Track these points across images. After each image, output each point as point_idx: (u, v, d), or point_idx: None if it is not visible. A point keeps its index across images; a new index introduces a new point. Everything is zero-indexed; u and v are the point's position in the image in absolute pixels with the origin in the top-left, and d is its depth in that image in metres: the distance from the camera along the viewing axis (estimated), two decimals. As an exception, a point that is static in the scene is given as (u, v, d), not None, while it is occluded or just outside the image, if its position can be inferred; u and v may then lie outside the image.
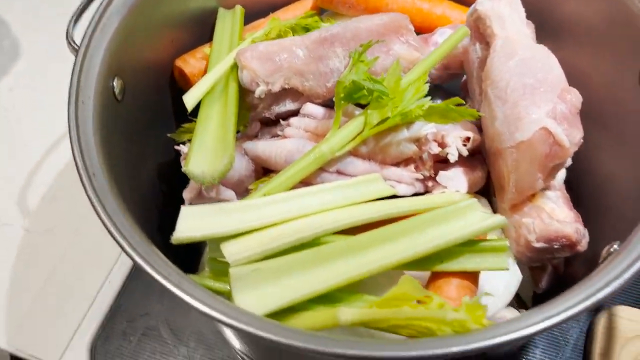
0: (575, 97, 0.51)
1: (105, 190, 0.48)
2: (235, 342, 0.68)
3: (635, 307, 0.72)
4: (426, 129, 0.57)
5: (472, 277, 0.52)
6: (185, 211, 0.51)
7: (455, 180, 0.57)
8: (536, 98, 0.51)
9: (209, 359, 0.74)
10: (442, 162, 0.60)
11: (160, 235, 0.52)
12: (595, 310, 0.72)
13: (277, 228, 0.51)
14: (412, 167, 0.58)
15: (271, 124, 0.66)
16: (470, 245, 0.50)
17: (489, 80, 0.54)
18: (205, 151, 0.56)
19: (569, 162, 0.53)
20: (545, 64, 0.52)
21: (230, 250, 0.49)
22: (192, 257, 0.68)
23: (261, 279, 0.48)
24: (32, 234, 0.83)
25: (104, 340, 0.76)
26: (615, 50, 0.57)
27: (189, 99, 0.59)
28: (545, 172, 0.51)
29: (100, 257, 0.81)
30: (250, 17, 0.72)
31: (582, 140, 0.50)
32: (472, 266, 0.50)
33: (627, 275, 0.40)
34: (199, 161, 0.55)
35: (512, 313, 0.63)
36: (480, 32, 0.58)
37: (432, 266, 0.50)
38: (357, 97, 0.55)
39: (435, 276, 0.52)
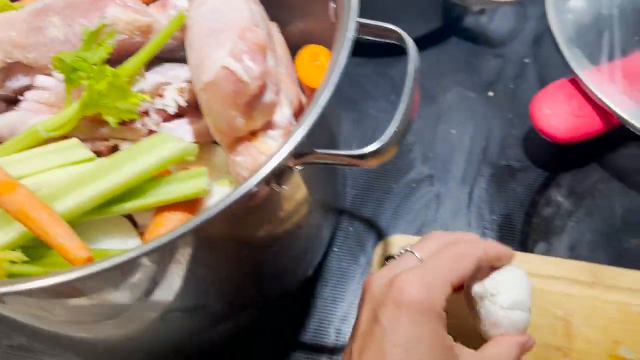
0: (255, 35, 0.53)
1: None
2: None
3: (411, 235, 0.76)
4: (147, 85, 0.59)
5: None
6: None
7: (179, 131, 0.59)
8: (219, 40, 0.53)
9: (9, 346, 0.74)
10: (179, 116, 0.62)
11: None
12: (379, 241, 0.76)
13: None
14: (138, 123, 0.60)
15: (17, 103, 0.66)
16: (168, 178, 0.53)
17: (185, 33, 0.56)
18: None
19: (269, 97, 0.56)
20: (232, 7, 0.55)
21: None
22: None
23: None
24: None
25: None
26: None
27: None
28: (240, 109, 0.54)
29: None
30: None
31: (264, 74, 0.53)
32: (172, 196, 0.52)
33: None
34: None
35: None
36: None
37: (130, 203, 0.52)
38: (76, 79, 0.56)
39: (153, 216, 0.54)
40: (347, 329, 0.72)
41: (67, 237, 0.46)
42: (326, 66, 0.58)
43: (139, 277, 0.45)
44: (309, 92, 0.59)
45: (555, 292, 0.69)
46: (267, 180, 0.43)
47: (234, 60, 0.52)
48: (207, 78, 0.52)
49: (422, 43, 0.97)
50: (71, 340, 0.58)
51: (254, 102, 0.54)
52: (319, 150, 0.47)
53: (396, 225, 0.79)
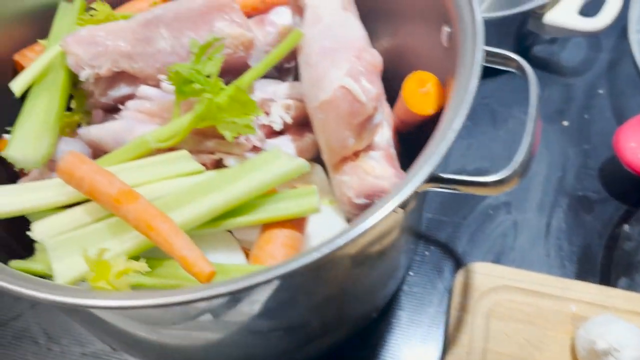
0: (372, 56, 0.53)
1: None
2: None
3: (489, 262, 0.75)
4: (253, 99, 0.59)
5: (295, 237, 0.54)
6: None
7: (282, 148, 0.59)
8: (335, 59, 0.53)
9: (82, 354, 0.74)
10: (279, 133, 0.63)
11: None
12: (457, 268, 0.75)
13: (89, 204, 0.51)
14: (242, 138, 0.60)
15: (115, 111, 0.66)
16: (278, 195, 0.53)
17: (299, 49, 0.56)
18: (27, 135, 0.56)
19: (379, 118, 0.56)
20: (347, 27, 0.55)
21: (39, 229, 0.49)
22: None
23: (75, 245, 0.48)
24: None
25: (-28, 346, 0.74)
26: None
27: (16, 85, 0.59)
28: (353, 129, 0.53)
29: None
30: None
31: (379, 95, 0.53)
32: (282, 213, 0.51)
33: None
34: (20, 145, 0.55)
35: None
36: (297, 5, 0.61)
37: (241, 218, 0.51)
38: (189, 92, 0.56)
39: (261, 233, 0.54)
40: (429, 351, 0.71)
41: (190, 249, 0.45)
42: (434, 93, 0.59)
43: (257, 297, 0.45)
44: (413, 118, 0.59)
45: (643, 329, 0.68)
46: (403, 204, 0.43)
47: (352, 80, 0.52)
48: (324, 97, 0.52)
49: (494, 69, 0.97)
50: (159, 345, 0.57)
51: (366, 123, 0.54)
52: (444, 175, 0.47)
53: (473, 252, 0.79)
